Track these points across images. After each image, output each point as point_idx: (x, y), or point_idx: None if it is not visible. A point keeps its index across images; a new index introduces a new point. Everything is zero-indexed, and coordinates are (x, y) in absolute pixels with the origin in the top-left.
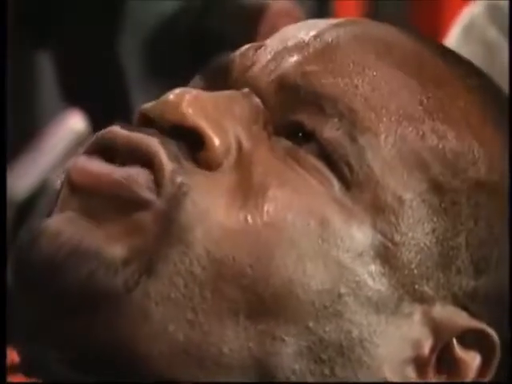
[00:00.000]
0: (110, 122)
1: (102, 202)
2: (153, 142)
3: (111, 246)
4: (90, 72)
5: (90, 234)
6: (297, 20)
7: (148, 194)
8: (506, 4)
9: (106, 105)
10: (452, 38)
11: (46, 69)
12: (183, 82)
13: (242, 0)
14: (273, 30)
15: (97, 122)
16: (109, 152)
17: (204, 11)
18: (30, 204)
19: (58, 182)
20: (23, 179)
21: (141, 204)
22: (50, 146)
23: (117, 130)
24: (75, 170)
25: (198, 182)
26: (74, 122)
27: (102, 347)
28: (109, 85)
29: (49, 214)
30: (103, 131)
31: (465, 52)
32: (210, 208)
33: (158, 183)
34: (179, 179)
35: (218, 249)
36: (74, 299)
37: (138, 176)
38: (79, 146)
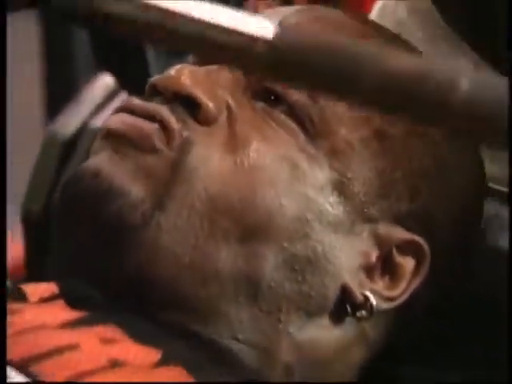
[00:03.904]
0: (132, 86)
1: (128, 145)
2: (163, 109)
3: (134, 186)
4: (118, 49)
5: (119, 171)
6: (270, 6)
7: (161, 145)
8: None
9: (130, 75)
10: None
11: (82, 41)
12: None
13: None
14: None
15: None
16: (129, 111)
17: None
18: (73, 141)
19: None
20: (68, 123)
21: (156, 151)
22: (88, 97)
23: (135, 101)
24: (110, 121)
25: (199, 136)
26: (107, 80)
27: (126, 273)
28: (133, 61)
29: (86, 159)
30: (124, 102)
31: None
32: (209, 156)
33: (168, 138)
34: (185, 133)
35: (214, 186)
36: (107, 230)
37: (154, 130)
38: (110, 98)
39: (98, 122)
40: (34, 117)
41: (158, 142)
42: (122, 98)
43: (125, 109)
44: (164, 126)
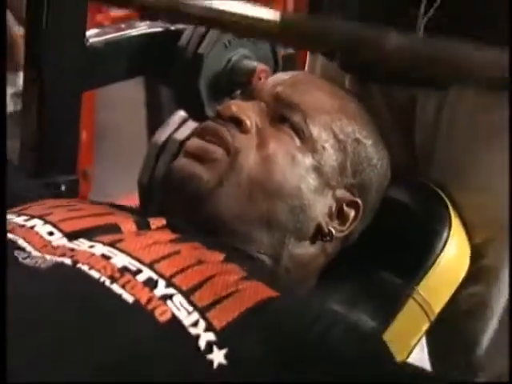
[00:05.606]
0: (195, 116)
1: (200, 155)
2: (223, 130)
3: (205, 174)
4: (187, 98)
5: (196, 168)
6: (269, 74)
7: (222, 156)
8: None
9: (194, 111)
10: None
11: (167, 93)
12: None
13: (244, 65)
14: (259, 78)
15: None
16: (204, 133)
17: (229, 72)
18: (164, 145)
19: (177, 145)
20: (161, 135)
21: (217, 157)
22: (171, 122)
23: (209, 123)
24: (188, 144)
25: (243, 143)
26: (181, 113)
27: (200, 216)
28: (195, 103)
29: (174, 159)
30: (204, 123)
31: None
32: (249, 156)
33: (227, 150)
34: (236, 144)
35: (251, 172)
36: (191, 198)
37: (216, 150)
38: (183, 122)
39: (177, 135)
40: (143, 135)
41: (220, 155)
42: (190, 122)
43: (197, 133)
44: (224, 145)
